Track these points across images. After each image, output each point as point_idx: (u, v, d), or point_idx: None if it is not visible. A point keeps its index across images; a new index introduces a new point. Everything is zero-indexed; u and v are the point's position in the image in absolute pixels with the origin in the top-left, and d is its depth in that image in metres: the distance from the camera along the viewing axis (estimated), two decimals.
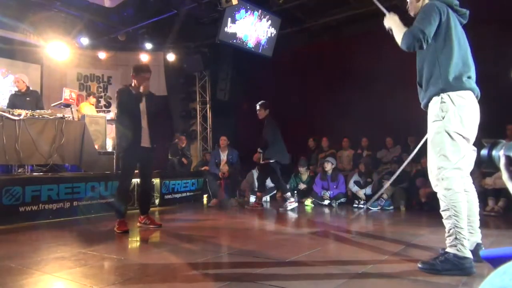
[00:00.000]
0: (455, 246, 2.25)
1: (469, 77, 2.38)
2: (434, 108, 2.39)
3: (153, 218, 4.31)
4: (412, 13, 2.62)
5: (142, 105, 4.05)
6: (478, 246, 2.45)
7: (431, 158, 2.42)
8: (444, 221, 2.33)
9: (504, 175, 0.83)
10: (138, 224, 4.24)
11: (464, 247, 2.24)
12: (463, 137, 2.34)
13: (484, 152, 0.91)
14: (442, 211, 2.35)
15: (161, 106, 4.48)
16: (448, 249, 2.29)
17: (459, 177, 2.32)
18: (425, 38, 2.33)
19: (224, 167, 6.93)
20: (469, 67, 2.42)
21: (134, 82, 4.06)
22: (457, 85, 2.34)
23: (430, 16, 2.36)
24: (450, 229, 2.28)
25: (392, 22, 2.52)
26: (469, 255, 2.24)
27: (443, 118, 2.33)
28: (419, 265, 2.36)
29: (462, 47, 2.43)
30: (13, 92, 6.35)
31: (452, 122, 2.30)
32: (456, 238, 2.25)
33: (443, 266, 2.24)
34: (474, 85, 2.40)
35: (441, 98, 2.35)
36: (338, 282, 2.16)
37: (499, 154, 0.85)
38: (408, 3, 2.63)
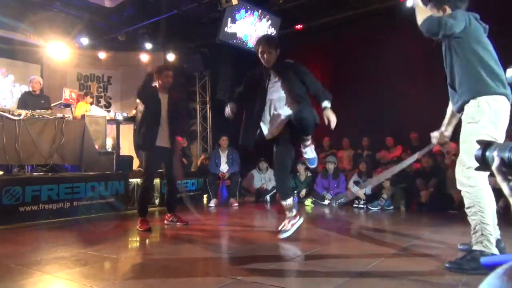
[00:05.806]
0: (481, 242, 2.29)
1: (503, 82, 2.41)
2: (470, 110, 2.42)
3: (180, 215, 4.42)
4: None
5: (164, 105, 4.13)
6: (498, 242, 2.52)
7: (461, 158, 2.46)
8: (469, 218, 2.39)
9: (498, 177, 0.82)
10: (165, 222, 4.40)
11: (490, 243, 2.29)
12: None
13: (477, 152, 0.89)
14: (467, 208, 2.40)
15: (180, 107, 4.61)
16: (474, 247, 2.33)
17: (485, 176, 2.38)
18: (447, 29, 2.36)
19: (224, 167, 6.93)
20: (502, 73, 2.44)
21: (158, 82, 4.18)
22: (493, 89, 2.37)
23: (458, 16, 2.40)
24: (476, 225, 2.33)
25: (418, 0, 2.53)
26: (496, 252, 2.28)
27: (478, 121, 2.37)
28: (447, 265, 2.37)
29: (493, 53, 2.47)
30: (27, 91, 6.46)
31: (487, 126, 2.35)
32: (482, 234, 2.30)
33: (471, 265, 2.26)
34: (508, 91, 2.43)
35: (478, 102, 2.38)
36: (338, 282, 2.16)
37: (493, 155, 0.84)
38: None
